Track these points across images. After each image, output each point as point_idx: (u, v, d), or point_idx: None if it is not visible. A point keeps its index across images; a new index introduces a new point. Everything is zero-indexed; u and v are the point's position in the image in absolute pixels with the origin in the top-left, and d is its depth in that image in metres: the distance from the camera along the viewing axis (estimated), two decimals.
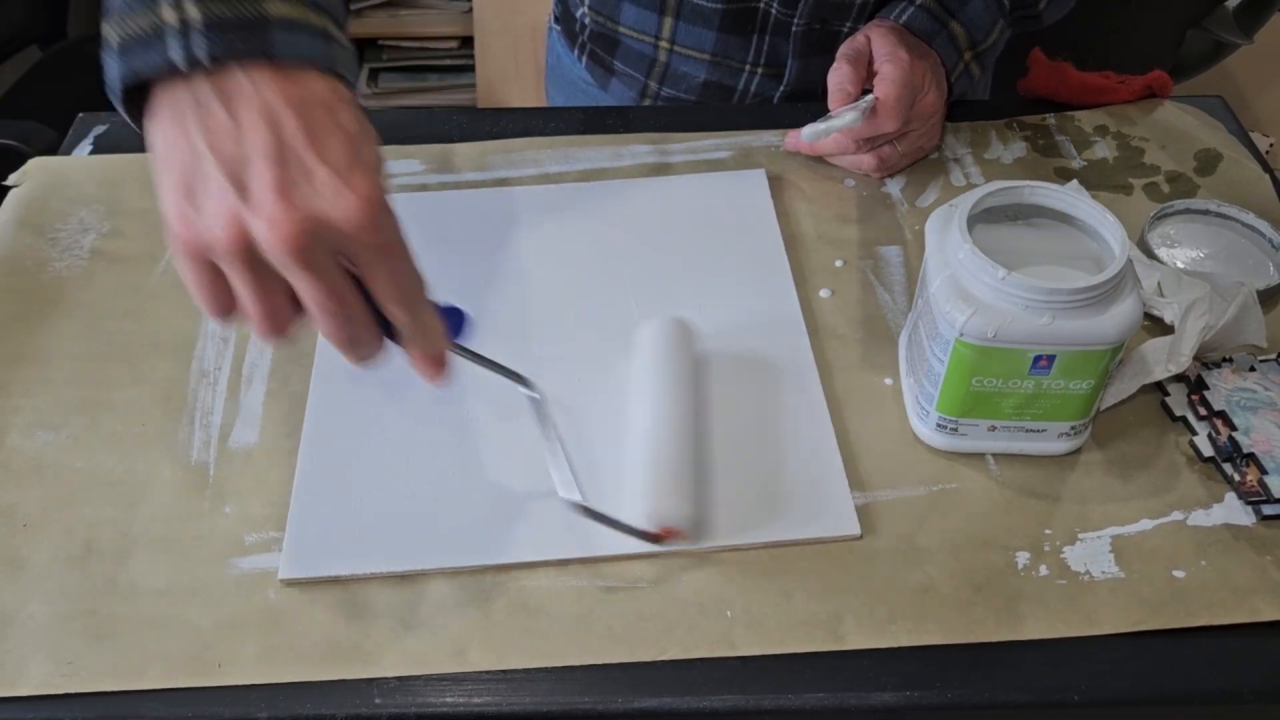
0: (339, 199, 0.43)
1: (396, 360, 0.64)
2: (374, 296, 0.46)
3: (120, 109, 0.47)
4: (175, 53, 0.43)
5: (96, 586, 0.54)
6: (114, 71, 0.45)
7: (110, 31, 0.45)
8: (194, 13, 0.43)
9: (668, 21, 0.85)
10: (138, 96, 0.46)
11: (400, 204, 0.73)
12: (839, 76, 0.72)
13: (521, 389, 0.57)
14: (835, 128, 0.71)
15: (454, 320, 0.51)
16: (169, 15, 0.44)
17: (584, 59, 0.94)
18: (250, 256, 0.43)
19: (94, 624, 0.53)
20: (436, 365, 0.50)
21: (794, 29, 0.82)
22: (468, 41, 2.13)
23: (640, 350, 0.62)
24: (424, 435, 0.60)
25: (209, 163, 0.43)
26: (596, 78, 0.94)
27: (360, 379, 0.63)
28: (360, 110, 0.47)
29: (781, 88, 0.87)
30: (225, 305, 0.45)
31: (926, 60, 0.75)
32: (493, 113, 0.83)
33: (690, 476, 0.57)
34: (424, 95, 2.21)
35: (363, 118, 0.46)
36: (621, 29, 0.88)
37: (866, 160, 0.75)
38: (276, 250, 0.42)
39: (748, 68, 0.86)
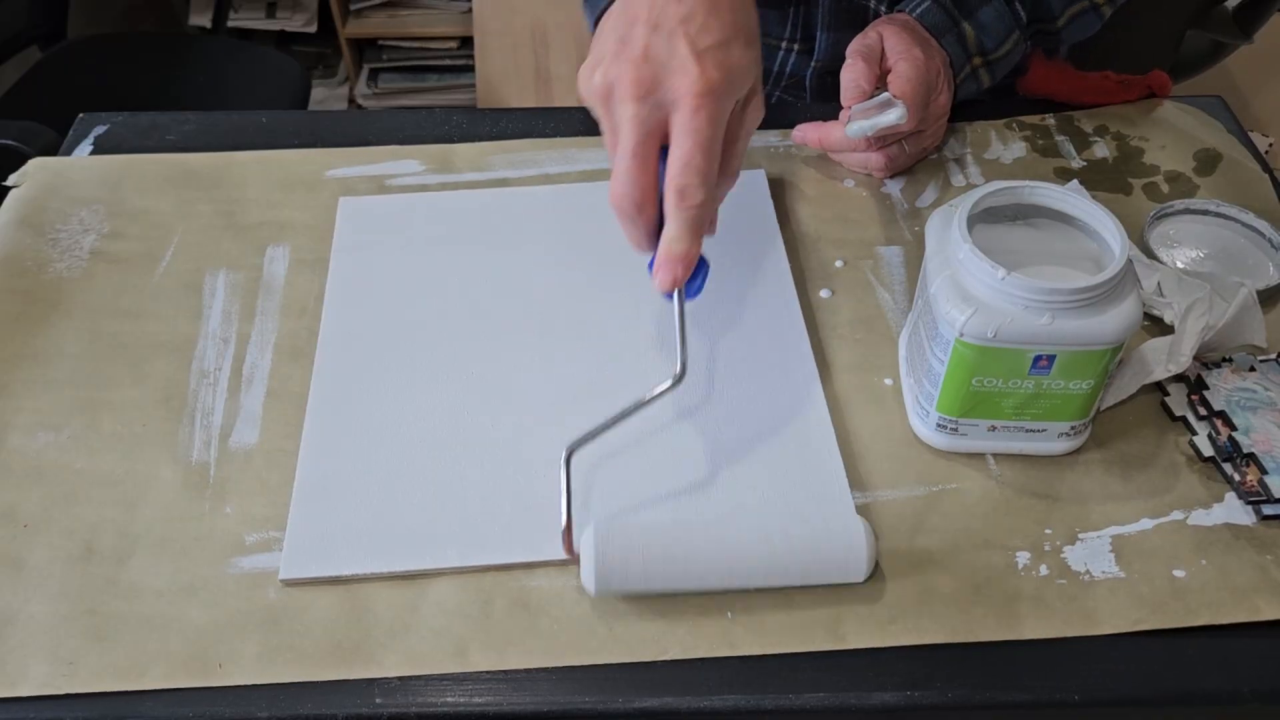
0: (683, 70, 0.52)
1: (397, 359, 0.64)
2: (668, 169, 0.53)
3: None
4: None
5: (97, 587, 0.54)
6: None
7: None
8: None
9: None
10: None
11: (400, 204, 0.74)
12: (854, 74, 0.72)
13: (670, 378, 0.57)
14: (880, 125, 0.71)
15: (700, 269, 0.55)
16: None
17: None
18: (610, 99, 0.54)
19: (94, 624, 0.53)
20: (667, 272, 0.54)
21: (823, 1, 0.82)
22: (468, 41, 2.13)
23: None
24: (424, 435, 0.60)
25: (623, 24, 0.54)
26: None
27: (360, 379, 0.63)
28: (753, 12, 0.56)
29: (813, 63, 0.87)
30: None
31: (938, 59, 0.75)
32: (493, 113, 0.83)
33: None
34: (424, 95, 2.21)
35: (750, 21, 0.56)
36: None
37: (874, 159, 0.75)
38: (619, 90, 0.53)
39: (784, 44, 0.86)
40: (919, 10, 0.77)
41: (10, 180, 0.75)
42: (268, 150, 0.78)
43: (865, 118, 0.71)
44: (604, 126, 0.56)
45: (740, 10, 0.54)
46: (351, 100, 2.22)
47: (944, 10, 0.76)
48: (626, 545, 0.53)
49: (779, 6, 0.85)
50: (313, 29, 2.16)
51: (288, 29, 2.15)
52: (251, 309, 0.68)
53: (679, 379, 0.56)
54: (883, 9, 0.83)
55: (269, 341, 0.66)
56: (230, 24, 2.14)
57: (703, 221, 0.54)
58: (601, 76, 0.54)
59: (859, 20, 0.82)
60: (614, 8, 0.56)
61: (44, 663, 0.51)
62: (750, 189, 0.76)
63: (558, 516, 0.55)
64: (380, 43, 2.19)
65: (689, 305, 0.56)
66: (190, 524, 0.57)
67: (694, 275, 0.55)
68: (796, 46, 0.87)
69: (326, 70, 2.26)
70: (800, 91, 0.91)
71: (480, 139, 0.80)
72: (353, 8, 2.16)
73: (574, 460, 0.56)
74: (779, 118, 0.81)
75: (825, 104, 0.83)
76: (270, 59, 1.66)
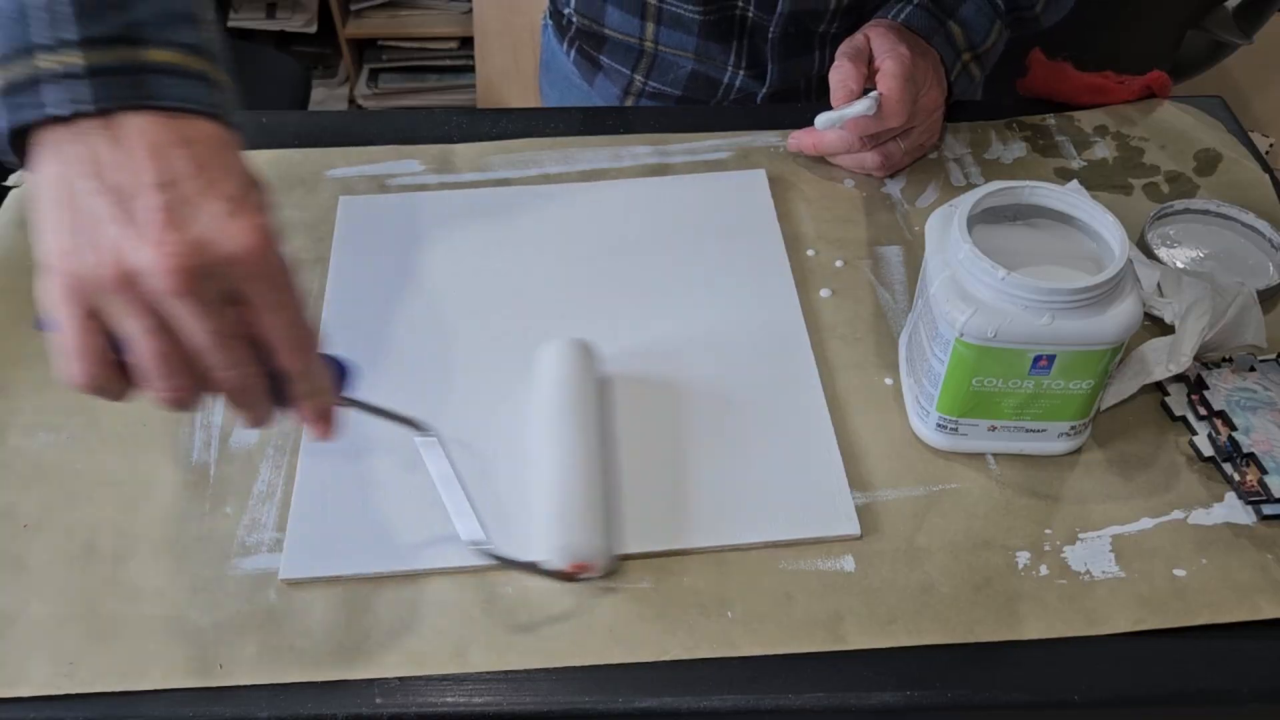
0: (228, 225, 0.42)
1: (396, 358, 0.64)
2: (265, 340, 0.44)
3: (11, 155, 0.45)
4: (58, 101, 0.42)
5: (97, 587, 0.54)
6: (1, 121, 0.44)
7: None
8: (75, 60, 0.43)
9: (649, 26, 0.86)
10: (22, 144, 0.44)
11: (400, 204, 0.74)
12: (841, 74, 0.72)
13: (415, 435, 0.56)
14: (849, 115, 0.71)
15: (338, 371, 0.50)
16: (47, 63, 0.43)
17: (572, 53, 0.94)
18: (136, 291, 0.41)
19: (95, 624, 0.53)
20: (325, 420, 0.48)
21: (771, 34, 0.82)
22: (468, 42, 2.13)
23: (541, 376, 0.61)
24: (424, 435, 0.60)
25: (95, 197, 0.42)
26: (583, 71, 0.94)
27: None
28: (243, 154, 0.46)
29: (765, 88, 0.87)
30: (101, 360, 0.43)
31: (927, 58, 0.75)
32: (493, 113, 0.83)
33: (598, 507, 0.55)
34: (424, 95, 2.21)
35: (247, 162, 0.45)
36: (607, 29, 0.88)
37: (870, 158, 0.75)
38: (163, 277, 0.41)
39: (730, 69, 0.87)
40: (904, 15, 0.77)
41: (10, 180, 0.75)
42: (268, 150, 0.78)
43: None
44: (124, 314, 0.42)
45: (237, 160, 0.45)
46: (351, 100, 2.22)
47: (928, 13, 0.77)
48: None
49: (721, 40, 0.85)
50: (313, 29, 2.16)
51: (288, 29, 2.15)
52: None
53: (433, 439, 0.56)
54: (831, 32, 0.83)
55: None
56: (230, 24, 2.14)
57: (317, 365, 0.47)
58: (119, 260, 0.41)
59: (808, 46, 0.82)
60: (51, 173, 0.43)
61: (44, 663, 0.51)
62: (750, 189, 0.76)
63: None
64: (380, 43, 2.19)
65: (357, 391, 0.52)
66: (190, 524, 0.57)
67: (337, 378, 0.50)
68: (743, 72, 0.87)
69: (326, 70, 2.26)
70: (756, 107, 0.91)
71: (480, 139, 0.80)
72: (353, 8, 2.16)
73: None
74: (779, 118, 0.81)
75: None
76: (270, 59, 1.66)
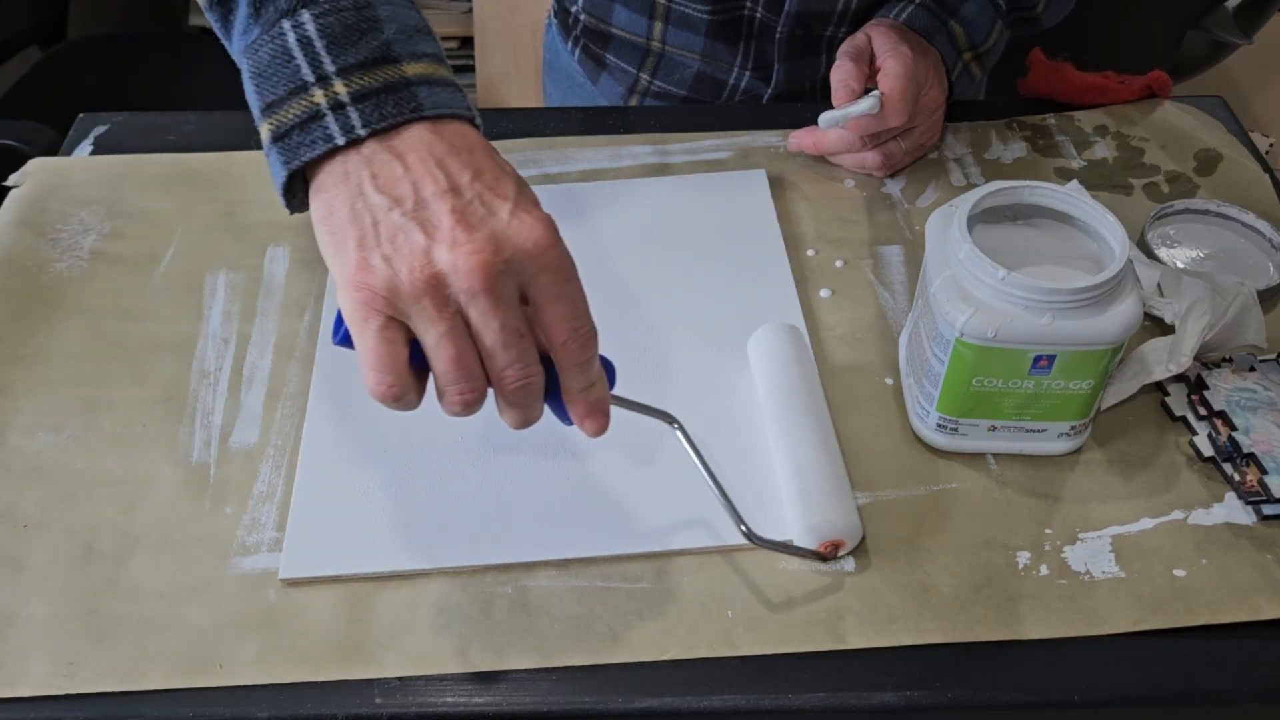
0: (520, 221, 0.44)
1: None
2: (550, 334, 0.45)
3: (283, 200, 0.48)
4: (334, 130, 0.45)
5: (97, 587, 0.54)
6: (277, 163, 0.46)
7: (264, 126, 0.47)
8: (341, 89, 0.45)
9: (657, 25, 0.86)
10: (300, 184, 0.47)
11: None
12: (842, 74, 0.72)
13: (671, 426, 0.55)
14: (852, 114, 0.71)
15: (608, 370, 0.50)
16: (319, 97, 0.45)
17: (577, 52, 0.94)
18: (441, 294, 0.43)
19: (95, 624, 0.53)
20: (602, 414, 0.49)
21: (778, 35, 0.82)
22: (468, 41, 2.12)
23: (762, 361, 0.62)
24: (424, 435, 0.60)
25: (386, 210, 0.44)
26: (588, 71, 0.94)
27: (359, 379, 0.63)
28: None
29: (770, 89, 0.87)
30: (401, 369, 0.44)
31: (928, 57, 0.75)
32: (493, 113, 0.83)
33: (844, 485, 0.56)
34: None
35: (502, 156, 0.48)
36: (614, 28, 0.88)
37: (871, 158, 0.75)
38: (466, 275, 0.42)
39: (735, 70, 0.87)
40: (905, 14, 0.77)
41: (10, 180, 0.75)
42: None
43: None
44: (427, 319, 0.44)
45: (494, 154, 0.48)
46: None
47: (930, 12, 0.77)
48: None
49: (729, 41, 0.85)
50: None
51: None
52: (252, 309, 0.68)
53: (681, 431, 0.55)
54: (839, 36, 0.83)
55: (269, 341, 0.66)
56: None
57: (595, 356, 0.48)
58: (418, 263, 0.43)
59: (815, 49, 0.82)
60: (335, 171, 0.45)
61: (44, 663, 0.51)
62: (750, 189, 0.76)
63: (557, 516, 0.55)
64: None
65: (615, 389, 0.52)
66: (190, 524, 0.57)
67: (610, 380, 0.50)
68: (749, 74, 0.87)
69: None
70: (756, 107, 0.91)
71: None
72: None
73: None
74: (779, 118, 0.81)
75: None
76: None
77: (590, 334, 0.46)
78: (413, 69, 0.47)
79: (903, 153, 0.76)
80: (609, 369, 0.50)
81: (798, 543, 0.54)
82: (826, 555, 0.55)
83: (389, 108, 0.45)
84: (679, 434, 0.54)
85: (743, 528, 0.53)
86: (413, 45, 0.48)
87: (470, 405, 0.45)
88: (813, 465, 0.56)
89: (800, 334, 0.64)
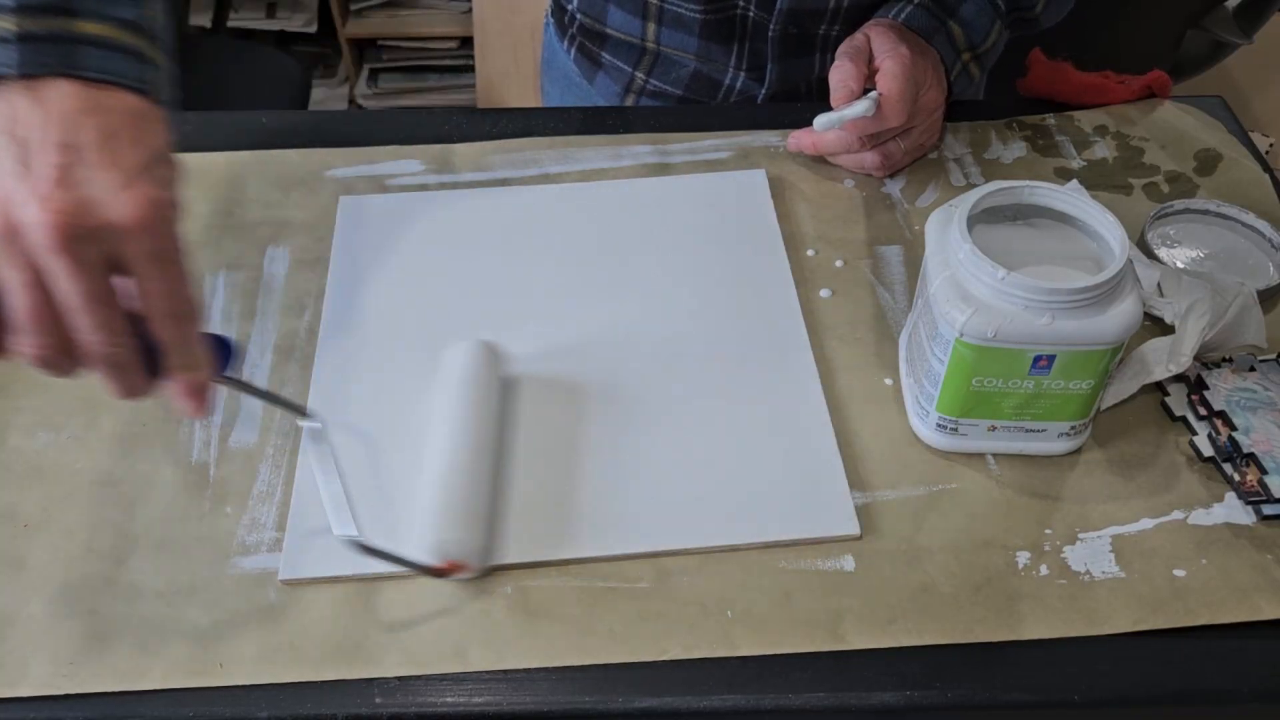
0: (118, 195, 0.43)
1: (396, 358, 0.64)
2: (145, 310, 0.45)
3: None
4: None
5: (97, 587, 0.54)
6: None
7: None
8: (11, 25, 0.45)
9: (651, 26, 0.86)
10: None
11: (400, 204, 0.74)
12: (841, 74, 0.72)
13: (300, 420, 0.57)
14: (848, 116, 0.71)
15: (221, 350, 0.50)
16: None
17: (573, 51, 0.94)
18: (17, 244, 0.43)
19: (94, 624, 0.53)
20: (199, 396, 0.49)
21: (771, 33, 0.82)
22: (468, 41, 2.13)
23: (443, 375, 0.61)
24: (423, 435, 0.60)
25: (1, 150, 0.44)
26: (584, 70, 0.94)
27: (360, 379, 0.63)
28: (169, 133, 0.47)
29: (764, 89, 0.87)
30: None
31: (927, 57, 0.75)
32: (493, 113, 0.83)
33: (478, 506, 0.55)
34: (424, 95, 2.21)
35: (169, 140, 0.47)
36: (609, 29, 0.88)
37: (870, 158, 0.75)
38: (42, 231, 0.42)
39: (730, 70, 0.87)
40: (904, 15, 0.77)
41: None
42: (268, 150, 0.78)
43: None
44: (7, 264, 0.44)
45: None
46: (351, 100, 2.22)
47: (929, 13, 0.77)
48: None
49: (723, 40, 0.85)
50: (313, 29, 2.15)
51: (288, 29, 2.15)
52: (251, 309, 0.68)
53: (318, 427, 0.56)
54: (832, 35, 0.83)
55: (269, 341, 0.66)
56: (230, 24, 2.14)
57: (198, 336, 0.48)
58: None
59: (808, 48, 0.81)
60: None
61: (44, 663, 0.51)
62: (750, 189, 0.76)
63: (557, 516, 0.55)
64: (380, 43, 2.19)
65: (239, 372, 0.53)
66: (190, 524, 0.57)
67: (220, 358, 0.50)
68: (744, 74, 0.87)
69: (326, 70, 2.26)
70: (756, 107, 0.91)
71: (480, 139, 0.80)
72: (353, 8, 2.16)
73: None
74: (779, 118, 0.81)
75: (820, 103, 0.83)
76: (270, 59, 1.66)
77: (187, 315, 0.46)
78: (90, 27, 0.46)
79: (902, 153, 0.76)
80: (229, 352, 0.51)
81: (419, 560, 0.53)
82: (446, 573, 0.53)
83: (47, 57, 0.45)
84: (306, 430, 0.55)
85: (351, 532, 0.54)
86: (104, 7, 0.47)
87: (48, 363, 0.45)
88: (447, 483, 0.55)
89: (494, 349, 0.62)
